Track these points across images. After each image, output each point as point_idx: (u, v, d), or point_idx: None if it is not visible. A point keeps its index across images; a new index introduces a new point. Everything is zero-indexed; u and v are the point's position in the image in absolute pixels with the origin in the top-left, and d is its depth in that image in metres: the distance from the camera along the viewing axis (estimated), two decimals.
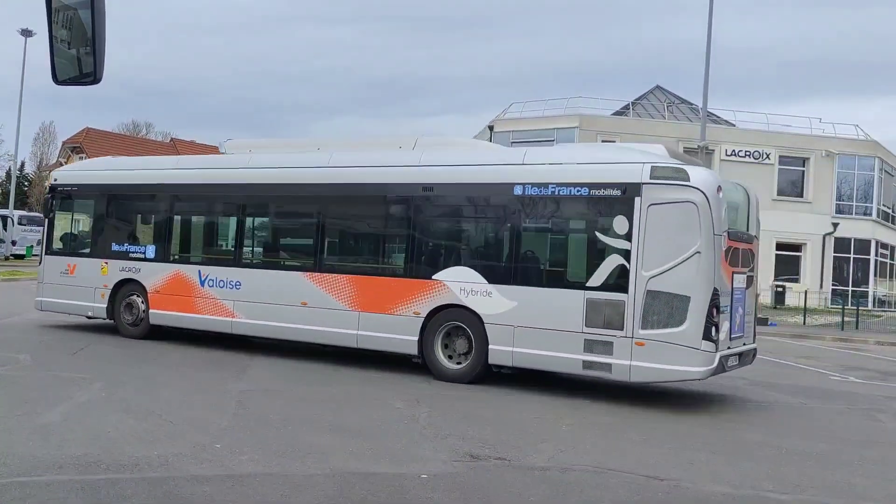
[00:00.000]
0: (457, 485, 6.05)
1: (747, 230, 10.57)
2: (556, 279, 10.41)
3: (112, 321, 13.92)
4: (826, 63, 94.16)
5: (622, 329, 9.50)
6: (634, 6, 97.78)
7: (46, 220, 14.95)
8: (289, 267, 12.57)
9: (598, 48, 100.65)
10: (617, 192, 9.72)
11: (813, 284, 34.28)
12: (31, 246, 39.55)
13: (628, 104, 39.56)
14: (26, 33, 41.47)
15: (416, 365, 11.33)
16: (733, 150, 35.49)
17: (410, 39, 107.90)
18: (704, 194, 9.18)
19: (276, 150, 13.62)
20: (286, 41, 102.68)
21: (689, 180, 9.28)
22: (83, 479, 5.64)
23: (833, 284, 35.87)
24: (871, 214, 36.78)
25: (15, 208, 44.01)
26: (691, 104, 40.54)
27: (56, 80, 3.66)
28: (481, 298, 10.52)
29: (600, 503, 5.89)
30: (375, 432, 7.59)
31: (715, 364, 9.22)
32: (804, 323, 26.77)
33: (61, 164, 49.14)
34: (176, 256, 13.60)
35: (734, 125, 38.54)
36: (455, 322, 10.77)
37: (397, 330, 11.09)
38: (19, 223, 41.65)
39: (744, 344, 10.35)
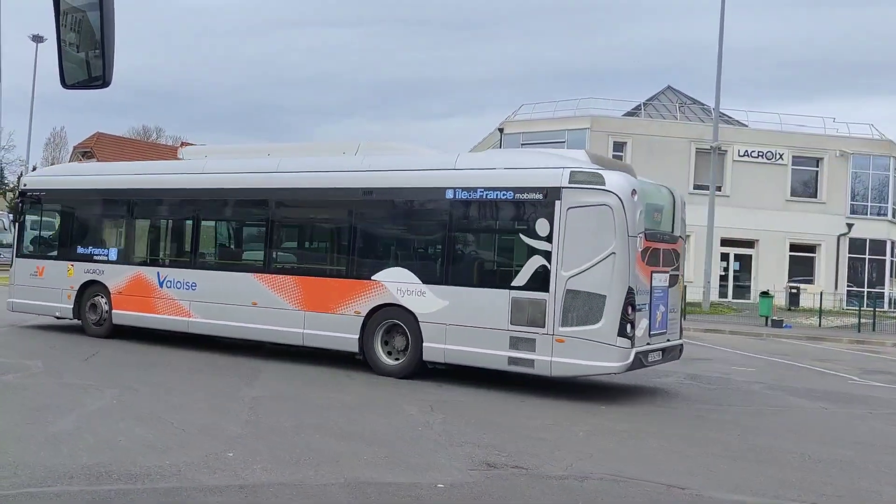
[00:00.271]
0: (474, 494, 5.93)
1: (672, 231, 11.05)
2: (484, 279, 10.82)
3: (79, 321, 14.38)
4: (839, 62, 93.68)
5: (544, 327, 9.95)
6: (644, 6, 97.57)
7: (17, 224, 15.44)
8: (240, 268, 13.02)
9: (608, 49, 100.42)
10: (539, 196, 10.20)
11: (828, 286, 33.96)
12: None
13: (639, 105, 39.34)
14: (37, 39, 41.69)
15: (428, 371, 11.27)
16: (746, 151, 35.22)
17: (416, 41, 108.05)
18: (619, 198, 9.63)
19: (229, 156, 14.28)
20: (292, 44, 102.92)
21: (604, 184, 9.74)
22: (94, 489, 5.55)
23: (848, 286, 35.52)
24: (886, 215, 36.40)
25: None
26: (703, 105, 40.31)
27: (64, 84, 3.57)
28: (416, 298, 10.96)
29: None
30: (389, 439, 7.48)
31: (630, 359, 9.72)
32: (819, 325, 26.52)
33: None
34: (136, 259, 14.12)
35: (746, 125, 38.24)
36: (393, 320, 11.19)
37: (340, 328, 11.53)
38: None
39: (668, 340, 10.80)
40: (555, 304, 9.89)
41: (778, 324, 24.93)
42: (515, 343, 10.15)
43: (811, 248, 35.73)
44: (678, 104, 39.81)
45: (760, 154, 35.30)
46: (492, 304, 10.36)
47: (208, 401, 9.04)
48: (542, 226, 10.13)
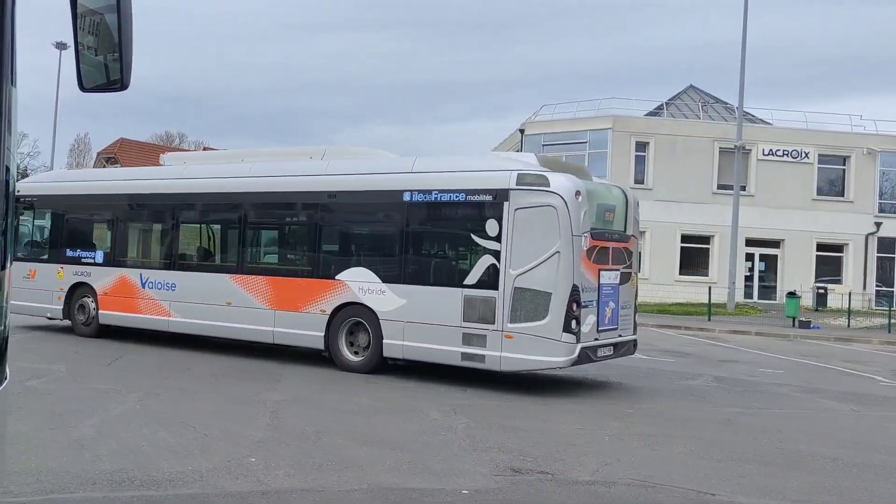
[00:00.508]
0: (498, 501, 5.84)
1: (625, 230, 11.36)
2: (439, 278, 11.14)
3: (69, 321, 15.07)
4: (865, 59, 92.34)
5: (494, 323, 10.34)
6: (666, 6, 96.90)
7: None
8: (215, 269, 13.54)
9: (629, 49, 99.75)
10: (489, 198, 10.58)
11: (856, 286, 33.46)
12: None
13: (662, 104, 39.01)
14: (61, 46, 42.10)
15: (451, 374, 11.21)
16: (771, 150, 34.79)
17: (436, 44, 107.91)
18: (563, 199, 10.00)
19: (206, 162, 15.16)
20: (312, 49, 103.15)
21: (549, 186, 10.11)
22: (116, 496, 5.51)
23: (877, 285, 34.99)
24: None
25: None
26: (726, 103, 39.90)
27: (82, 87, 3.51)
28: (377, 296, 11.40)
29: None
30: (412, 444, 7.39)
31: (576, 354, 10.05)
32: (848, 325, 26.10)
33: None
34: (120, 261, 14.66)
35: (771, 124, 37.79)
36: (356, 318, 11.62)
37: (307, 326, 11.98)
38: None
39: (619, 336, 11.09)
40: (504, 302, 10.25)
41: (805, 325, 24.57)
42: (468, 339, 10.52)
43: (838, 248, 35.23)
44: (701, 103, 39.43)
45: (785, 153, 34.86)
46: (446, 301, 10.75)
47: (230, 405, 9.01)
48: (491, 226, 10.50)
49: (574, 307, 9.95)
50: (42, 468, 6.02)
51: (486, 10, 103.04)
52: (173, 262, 13.90)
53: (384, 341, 11.28)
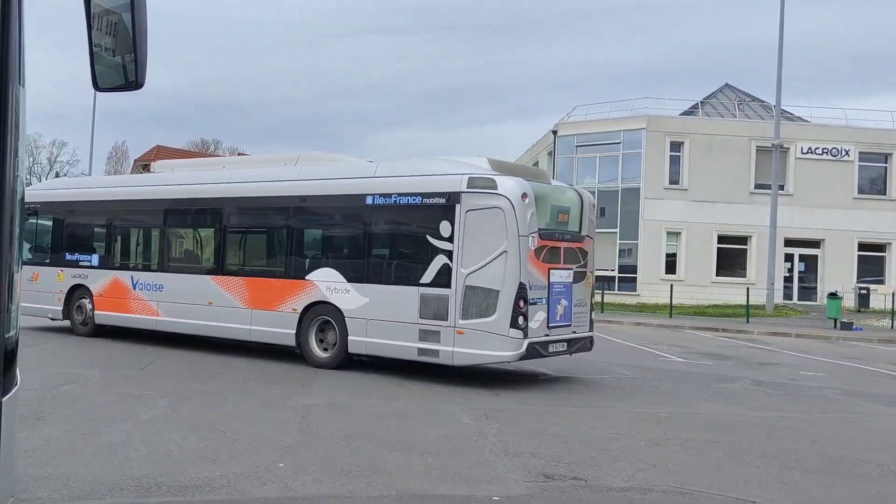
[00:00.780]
0: None
1: (580, 231, 11.81)
2: (398, 277, 11.64)
3: (68, 321, 15.98)
4: None
5: (447, 320, 10.84)
6: (698, 5, 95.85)
7: None
8: (198, 270, 14.18)
9: (661, 48, 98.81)
10: (442, 201, 11.08)
11: None
12: None
13: (696, 104, 38.51)
14: None
15: (484, 379, 11.19)
16: (809, 148, 34.13)
17: (466, 47, 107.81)
18: (510, 201, 10.48)
19: (191, 169, 16.01)
20: (345, 54, 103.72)
21: (496, 189, 10.59)
22: (143, 501, 5.47)
23: None
24: None
25: None
26: (763, 101, 39.26)
27: (97, 87, 3.46)
28: (342, 295, 12.00)
29: None
30: (443, 450, 7.26)
31: (524, 349, 10.49)
32: (892, 326, 25.49)
33: None
34: (113, 264, 15.51)
35: (809, 121, 37.09)
36: (324, 316, 12.20)
37: (280, 324, 12.60)
38: None
39: (573, 332, 11.52)
40: (456, 299, 10.76)
41: (847, 326, 24.02)
42: (424, 335, 11.04)
43: (881, 248, 34.42)
44: (737, 102, 38.85)
45: (825, 151, 34.16)
46: (404, 300, 11.28)
47: (261, 410, 8.96)
48: (445, 227, 11.00)
49: (521, 304, 10.41)
50: (71, 473, 6.01)
51: (515, 13, 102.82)
52: (161, 264, 14.71)
53: (349, 338, 11.83)
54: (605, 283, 31.79)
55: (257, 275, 13.29)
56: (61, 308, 15.95)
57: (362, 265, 12.00)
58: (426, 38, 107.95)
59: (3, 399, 2.37)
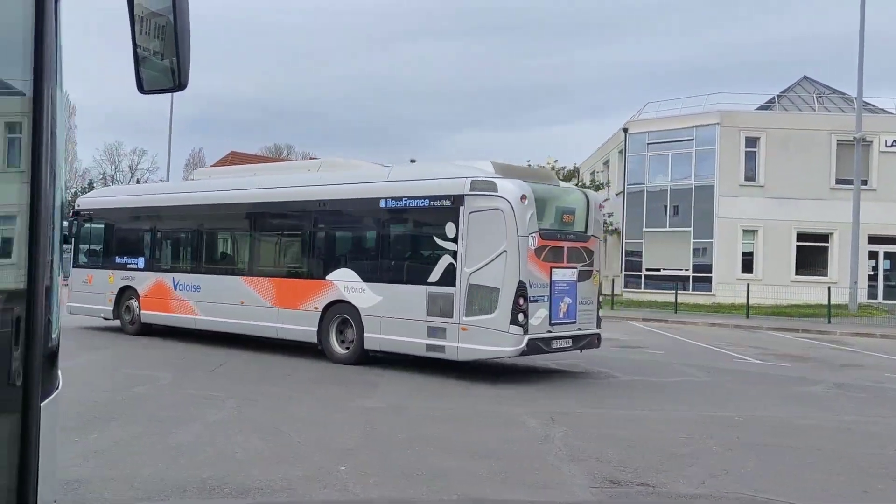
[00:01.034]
0: None
1: (585, 230, 12.16)
2: (410, 276, 12.18)
3: (118, 321, 16.87)
4: None
5: (452, 317, 11.31)
6: None
7: (72, 239, 17.99)
8: (231, 272, 15.01)
9: (735, 44, 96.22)
10: (447, 203, 11.59)
11: None
12: None
13: (773, 97, 37.30)
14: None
15: (550, 381, 11.09)
16: (894, 141, 32.67)
17: (537, 48, 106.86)
18: (509, 202, 10.92)
19: (226, 176, 16.85)
20: (411, 58, 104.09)
21: (497, 191, 11.05)
22: (205, 503, 5.50)
23: None
24: None
25: None
26: (843, 94, 37.75)
27: (141, 90, 3.44)
28: (358, 294, 12.60)
29: None
30: (506, 454, 7.13)
31: (523, 345, 10.85)
32: None
33: None
34: (157, 266, 16.37)
35: (893, 113, 35.52)
36: (343, 314, 12.81)
37: (304, 322, 13.29)
38: None
39: (579, 329, 11.80)
40: (460, 297, 11.25)
41: None
42: (432, 332, 11.53)
43: None
44: (815, 95, 37.48)
45: None
46: (414, 298, 11.79)
47: (325, 412, 8.99)
48: (450, 228, 11.50)
49: (521, 301, 10.80)
50: (137, 475, 6.10)
51: (581, 12, 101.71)
52: (199, 266, 15.54)
53: (365, 335, 12.44)
54: (678, 283, 31.10)
55: (283, 275, 14.04)
56: (112, 308, 16.92)
57: (376, 265, 12.66)
58: (494, 40, 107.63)
59: (43, 403, 2.34)
